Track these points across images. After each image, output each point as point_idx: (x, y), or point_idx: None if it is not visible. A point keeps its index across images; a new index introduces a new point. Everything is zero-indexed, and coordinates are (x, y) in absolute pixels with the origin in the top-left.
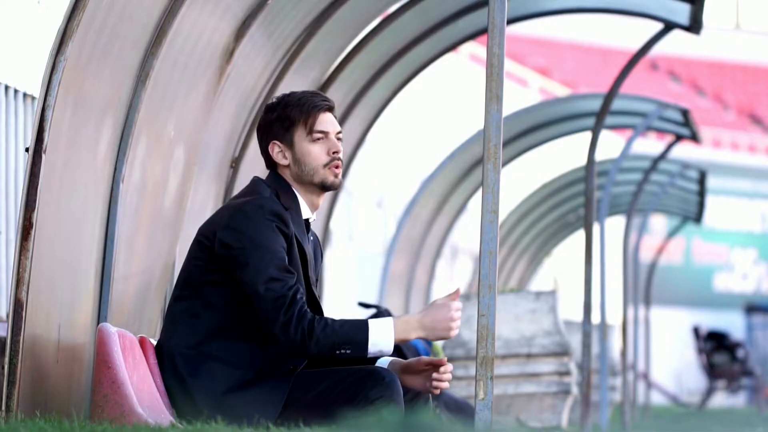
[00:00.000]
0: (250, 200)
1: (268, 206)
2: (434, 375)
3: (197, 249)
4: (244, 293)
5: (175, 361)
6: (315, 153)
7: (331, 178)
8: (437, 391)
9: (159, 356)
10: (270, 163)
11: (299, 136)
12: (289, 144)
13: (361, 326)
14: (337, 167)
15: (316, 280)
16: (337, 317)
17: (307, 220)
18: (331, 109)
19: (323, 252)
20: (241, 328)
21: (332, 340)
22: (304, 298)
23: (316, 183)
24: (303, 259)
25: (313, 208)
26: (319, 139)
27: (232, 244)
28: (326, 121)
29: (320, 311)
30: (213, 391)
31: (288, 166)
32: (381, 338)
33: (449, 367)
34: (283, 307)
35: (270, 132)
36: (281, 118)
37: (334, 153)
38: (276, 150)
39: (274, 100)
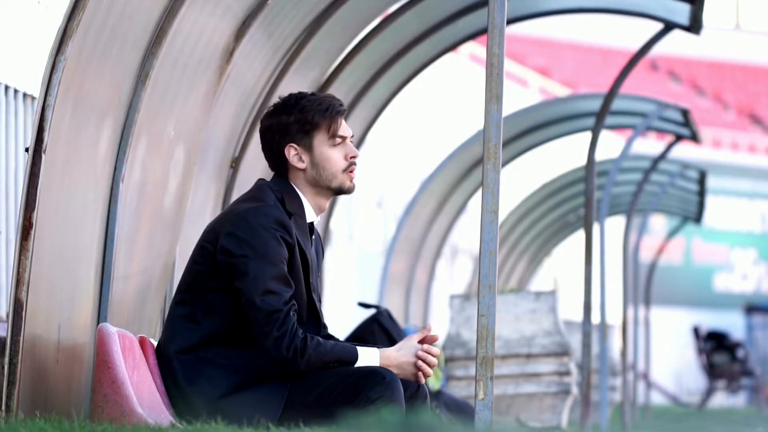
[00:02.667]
0: (253, 207)
1: (272, 215)
2: (419, 352)
3: (199, 254)
4: (241, 301)
5: (173, 367)
6: (335, 158)
7: (348, 183)
8: (423, 379)
9: (159, 359)
10: (280, 165)
11: (320, 140)
12: (308, 147)
13: (351, 351)
14: (352, 172)
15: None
16: (329, 321)
17: (311, 223)
18: (345, 113)
19: (324, 250)
20: (240, 334)
21: (323, 360)
22: (298, 315)
23: (333, 188)
24: (305, 264)
25: (319, 211)
26: (338, 143)
27: (233, 252)
28: (344, 126)
29: (318, 317)
30: (212, 396)
31: (304, 169)
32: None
33: (436, 338)
34: (277, 321)
35: (287, 134)
36: (301, 122)
37: (352, 158)
38: (293, 153)
39: (283, 101)
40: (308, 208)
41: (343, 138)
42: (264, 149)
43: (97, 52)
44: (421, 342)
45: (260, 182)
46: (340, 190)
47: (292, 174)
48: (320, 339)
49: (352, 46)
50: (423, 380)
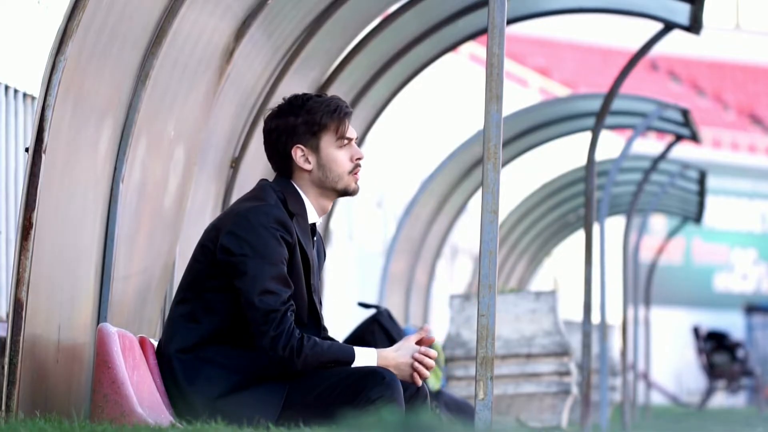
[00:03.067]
0: (254, 206)
1: (272, 214)
2: (416, 354)
3: (200, 253)
4: (240, 301)
5: (173, 366)
6: (341, 159)
7: (353, 185)
8: (419, 381)
9: (159, 358)
10: (284, 166)
11: (327, 141)
12: (315, 149)
13: (348, 351)
14: (357, 174)
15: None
16: (329, 321)
17: (313, 224)
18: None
19: (326, 250)
20: (240, 334)
21: (319, 360)
22: (299, 316)
23: (339, 189)
24: (306, 265)
25: (322, 212)
26: (345, 145)
27: (233, 250)
28: (350, 128)
29: (318, 318)
30: (211, 395)
31: (310, 170)
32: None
33: (432, 340)
34: (274, 321)
35: (294, 136)
36: (309, 123)
37: (357, 159)
38: (299, 154)
39: (289, 102)
40: (310, 209)
41: (350, 140)
42: (268, 150)
43: (97, 52)
44: (419, 343)
45: (262, 182)
46: (345, 192)
47: (296, 175)
48: (317, 339)
49: (352, 46)
50: (420, 382)
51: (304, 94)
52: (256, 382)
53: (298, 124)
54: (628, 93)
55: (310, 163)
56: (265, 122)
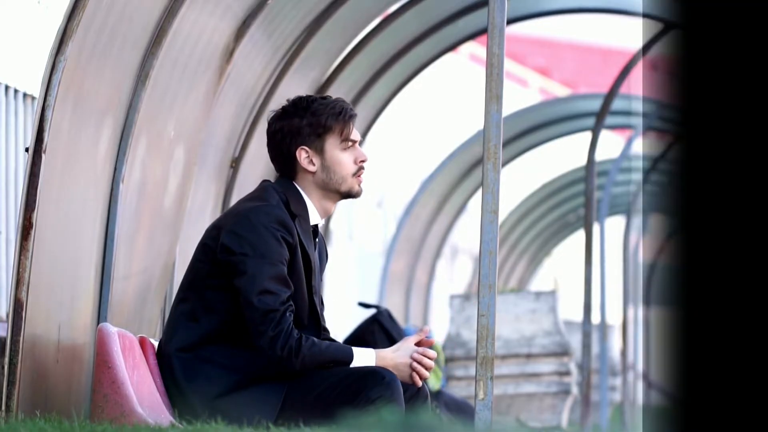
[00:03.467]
0: (256, 206)
1: (274, 214)
2: (415, 354)
3: (201, 252)
4: (239, 300)
5: (172, 365)
6: (345, 161)
7: (356, 188)
8: (419, 382)
9: (159, 358)
10: (288, 167)
11: (332, 143)
12: (319, 151)
13: (346, 351)
14: (361, 176)
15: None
16: (329, 321)
17: (315, 226)
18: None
19: (327, 252)
20: (240, 333)
21: (318, 360)
22: (299, 317)
23: (343, 191)
24: (307, 267)
25: (325, 214)
26: (349, 147)
27: (233, 249)
28: (355, 130)
29: (318, 320)
30: (209, 395)
31: (314, 172)
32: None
33: (431, 342)
34: (272, 321)
35: (299, 137)
36: (314, 125)
37: (361, 162)
38: (303, 156)
39: (293, 104)
40: (313, 210)
41: (354, 142)
42: (272, 151)
43: (97, 52)
44: (418, 344)
45: (265, 183)
46: (349, 194)
47: (300, 176)
48: (315, 339)
49: (352, 46)
50: (419, 383)
51: (309, 96)
52: (256, 382)
53: (303, 125)
54: (628, 93)
55: (314, 164)
56: (269, 123)
